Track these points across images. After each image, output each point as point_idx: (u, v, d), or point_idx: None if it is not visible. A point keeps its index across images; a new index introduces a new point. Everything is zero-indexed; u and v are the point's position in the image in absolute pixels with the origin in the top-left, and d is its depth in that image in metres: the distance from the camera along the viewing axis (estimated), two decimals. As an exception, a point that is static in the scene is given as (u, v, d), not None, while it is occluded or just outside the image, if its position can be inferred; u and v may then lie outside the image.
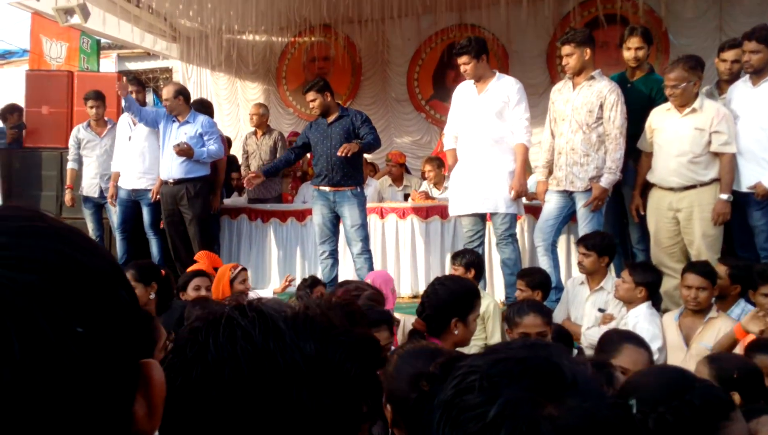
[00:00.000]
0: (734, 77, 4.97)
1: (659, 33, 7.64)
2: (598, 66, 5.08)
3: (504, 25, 7.91)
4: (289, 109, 9.51)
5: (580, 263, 4.54)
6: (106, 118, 6.89)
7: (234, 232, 6.90)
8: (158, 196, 6.38)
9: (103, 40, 10.44)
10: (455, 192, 5.38)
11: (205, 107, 6.95)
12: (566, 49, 4.96)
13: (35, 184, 7.31)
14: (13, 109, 8.25)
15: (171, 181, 6.24)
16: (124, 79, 6.60)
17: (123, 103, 6.39)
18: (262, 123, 7.12)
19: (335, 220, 5.80)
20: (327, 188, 5.70)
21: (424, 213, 6.11)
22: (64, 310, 0.50)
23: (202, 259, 5.08)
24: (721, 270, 3.89)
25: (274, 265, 6.58)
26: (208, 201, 6.41)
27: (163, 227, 6.50)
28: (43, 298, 0.49)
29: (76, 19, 7.20)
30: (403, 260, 6.17)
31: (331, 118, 5.72)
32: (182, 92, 6.43)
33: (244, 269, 4.71)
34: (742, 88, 4.80)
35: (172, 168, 6.21)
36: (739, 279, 3.88)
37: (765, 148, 4.59)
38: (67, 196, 6.87)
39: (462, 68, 5.19)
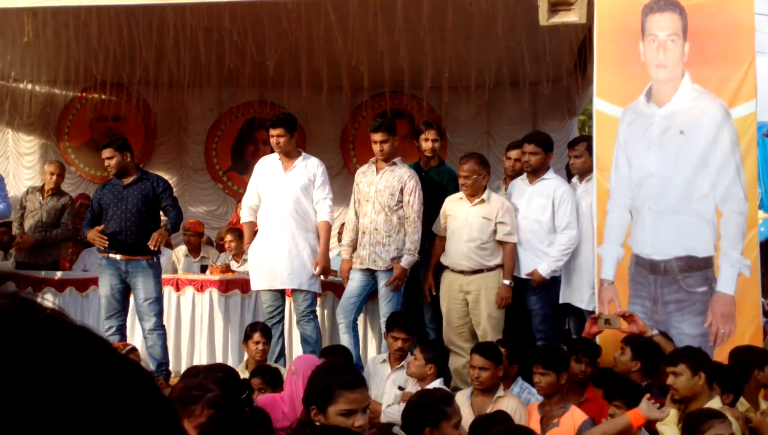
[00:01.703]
0: (517, 173, 5.58)
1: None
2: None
3: (303, 108, 8.16)
4: (71, 167, 8.76)
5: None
6: None
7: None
8: None
9: None
10: (256, 266, 5.33)
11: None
12: (380, 136, 5.23)
13: None
14: None
15: (-70, 237, 5.41)
16: None
17: None
18: (58, 185, 6.51)
19: (125, 291, 5.38)
20: (118, 256, 5.31)
21: (224, 286, 5.91)
22: None
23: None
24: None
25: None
26: (-28, 263, 5.66)
27: None
28: None
29: None
30: (198, 336, 5.86)
31: (128, 180, 5.39)
32: None
33: (135, 349, 4.12)
34: (520, 184, 5.40)
35: None
36: (515, 359, 4.26)
37: (540, 240, 5.16)
38: None
39: (275, 140, 5.25)
